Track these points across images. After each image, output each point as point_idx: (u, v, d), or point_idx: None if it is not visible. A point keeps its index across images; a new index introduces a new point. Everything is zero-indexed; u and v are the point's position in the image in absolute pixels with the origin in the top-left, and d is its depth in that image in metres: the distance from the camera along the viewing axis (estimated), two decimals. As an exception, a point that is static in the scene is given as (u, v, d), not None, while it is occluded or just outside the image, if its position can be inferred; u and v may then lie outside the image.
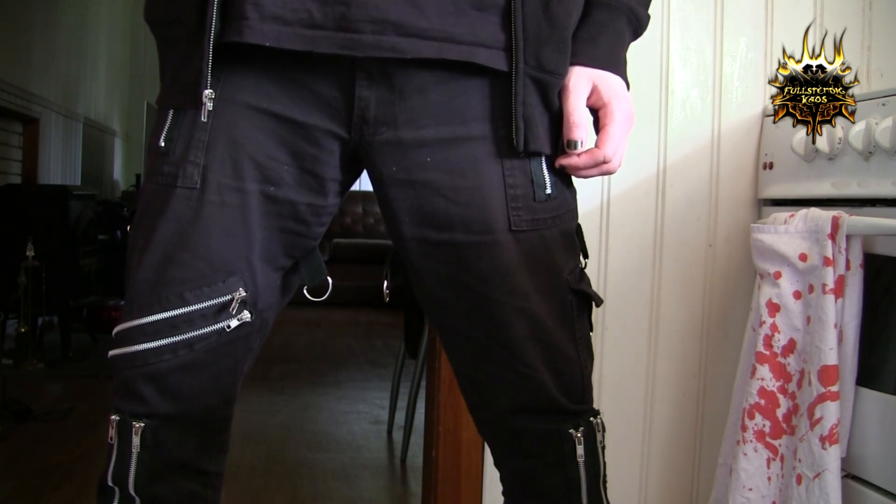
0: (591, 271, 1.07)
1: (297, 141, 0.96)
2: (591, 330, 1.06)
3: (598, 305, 1.05)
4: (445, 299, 1.01)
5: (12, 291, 3.93)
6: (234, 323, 0.95)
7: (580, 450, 1.00)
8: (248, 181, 0.95)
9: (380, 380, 4.01)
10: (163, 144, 0.96)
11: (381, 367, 4.33)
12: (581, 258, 1.05)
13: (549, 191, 0.99)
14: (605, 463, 1.05)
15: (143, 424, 0.94)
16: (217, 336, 0.95)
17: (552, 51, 0.96)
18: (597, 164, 0.99)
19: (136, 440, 0.94)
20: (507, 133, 0.96)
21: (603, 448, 1.04)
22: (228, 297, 0.94)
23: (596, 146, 0.99)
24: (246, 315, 0.96)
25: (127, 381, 0.95)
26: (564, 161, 0.99)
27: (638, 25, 1.04)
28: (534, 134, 0.96)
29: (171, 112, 0.97)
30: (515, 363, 0.99)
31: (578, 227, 1.05)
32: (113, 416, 0.96)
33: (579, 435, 1.00)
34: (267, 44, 0.91)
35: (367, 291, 6.44)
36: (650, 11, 1.07)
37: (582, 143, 0.97)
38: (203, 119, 0.93)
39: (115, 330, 0.96)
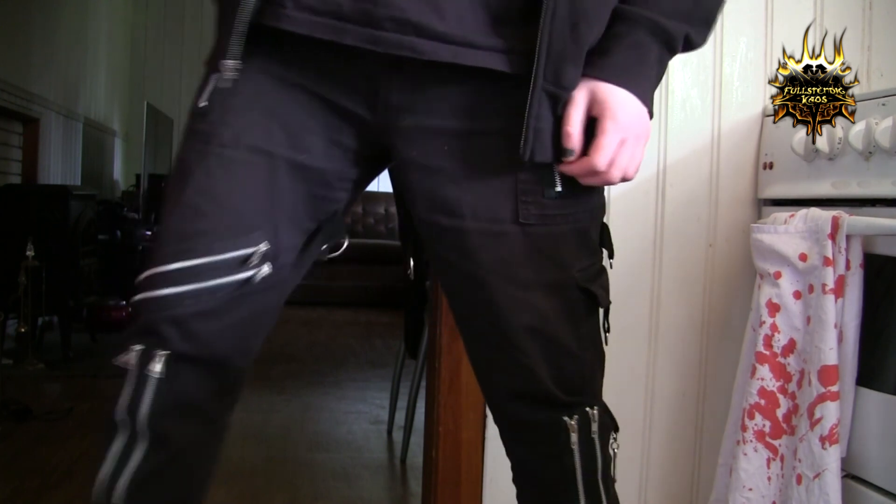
0: (590, 271, 1.07)
1: (325, 114, 1.02)
2: (608, 331, 1.08)
3: (601, 307, 1.06)
4: (452, 284, 1.06)
5: (12, 291, 3.93)
6: (253, 275, 0.99)
7: (574, 437, 1.03)
8: (276, 146, 1.00)
9: (380, 380, 4.00)
10: (201, 105, 1.02)
11: (381, 367, 4.32)
12: (600, 257, 1.06)
13: (558, 189, 1.00)
14: (605, 457, 1.06)
15: (166, 352, 0.96)
16: (237, 286, 0.98)
17: (571, 68, 0.97)
18: (590, 174, 0.99)
19: (157, 367, 0.96)
20: (519, 133, 0.98)
21: (602, 441, 1.05)
22: (250, 250, 0.98)
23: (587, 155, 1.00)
24: (266, 269, 1.00)
25: (149, 324, 0.97)
26: (561, 168, 1.00)
27: (669, 38, 1.01)
28: (541, 146, 0.98)
29: (213, 75, 1.02)
30: (512, 351, 1.01)
31: (604, 226, 1.07)
32: (135, 347, 0.97)
33: (573, 423, 1.03)
34: (300, 32, 0.98)
35: (367, 291, 6.43)
36: None
37: (574, 152, 0.99)
38: (224, 85, 1.00)
39: (139, 278, 0.99)
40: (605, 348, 1.10)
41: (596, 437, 1.04)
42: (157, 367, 0.96)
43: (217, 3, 1.06)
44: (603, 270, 1.07)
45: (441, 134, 1.01)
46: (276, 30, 0.99)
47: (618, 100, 0.99)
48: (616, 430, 1.10)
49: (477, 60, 0.97)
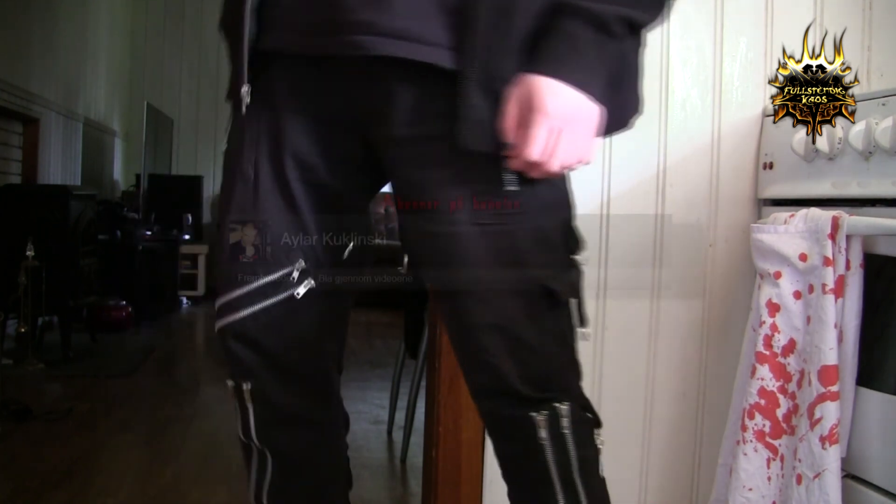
0: (591, 271, 1.07)
1: (324, 134, 1.09)
2: (581, 325, 1.08)
3: (561, 302, 1.05)
4: (431, 284, 1.12)
5: (12, 291, 3.93)
6: (296, 290, 1.11)
7: (543, 433, 1.05)
8: (289, 171, 1.10)
9: (380, 380, 4.00)
10: (227, 144, 1.15)
11: (381, 367, 4.32)
12: (563, 253, 1.06)
13: (510, 187, 1.01)
14: (583, 453, 1.06)
15: (250, 385, 1.12)
16: (288, 302, 1.11)
17: (504, 59, 0.98)
18: (528, 166, 0.99)
19: (248, 397, 1.12)
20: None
21: (577, 436, 1.06)
22: (290, 269, 1.10)
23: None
24: (308, 282, 1.11)
25: (227, 348, 1.12)
26: (507, 164, 1.01)
27: (599, 22, 0.98)
28: (478, 136, 0.99)
29: (231, 109, 1.14)
30: (476, 349, 1.05)
31: (566, 223, 1.06)
32: (228, 382, 1.14)
33: (541, 419, 1.04)
34: (274, 48, 1.06)
35: (367, 291, 6.42)
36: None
37: (509, 145, 0.99)
38: (242, 112, 1.10)
39: (216, 304, 1.15)
40: (606, 348, 1.10)
41: (568, 432, 1.05)
42: (248, 397, 1.12)
43: (225, 36, 1.15)
44: (569, 266, 1.06)
45: (400, 143, 1.05)
46: (271, 57, 1.08)
47: (545, 89, 0.97)
48: (598, 425, 1.09)
49: (421, 55, 0.98)
